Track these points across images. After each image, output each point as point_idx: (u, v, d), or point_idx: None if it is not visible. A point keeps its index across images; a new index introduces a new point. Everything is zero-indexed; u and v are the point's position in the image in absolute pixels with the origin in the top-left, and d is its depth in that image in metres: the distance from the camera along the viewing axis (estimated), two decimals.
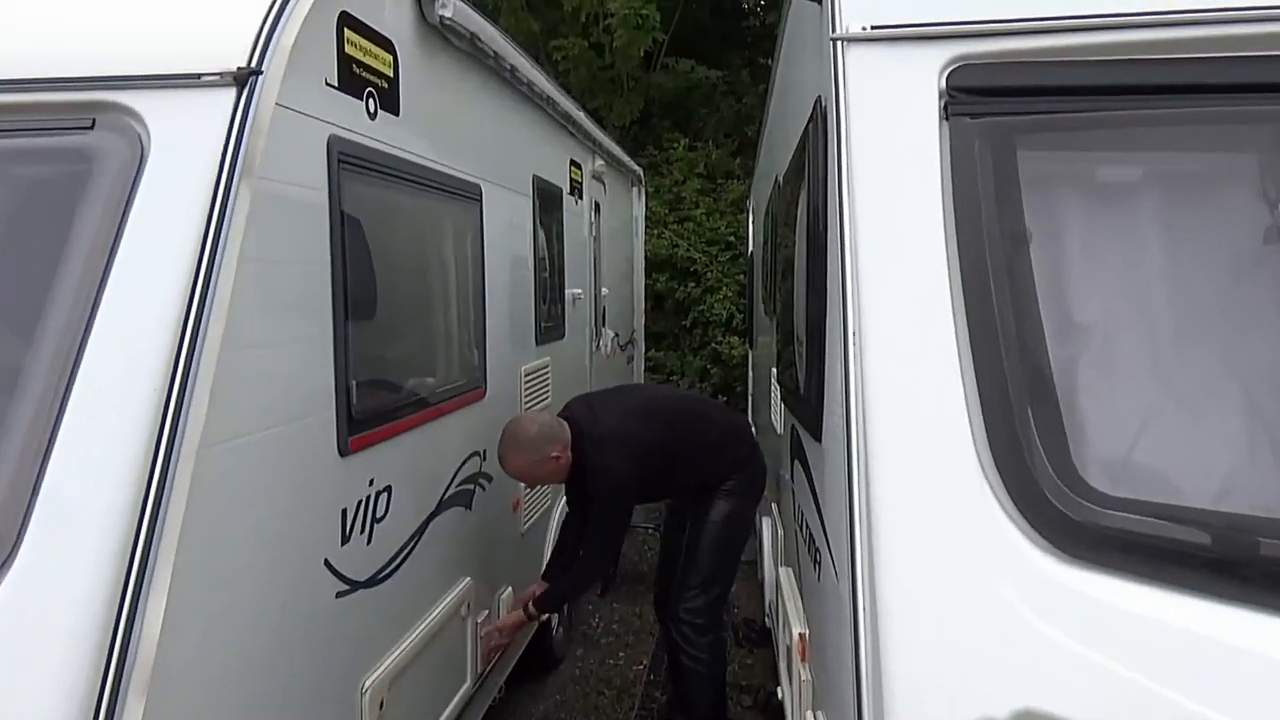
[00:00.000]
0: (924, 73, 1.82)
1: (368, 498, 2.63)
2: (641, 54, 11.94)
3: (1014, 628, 1.45)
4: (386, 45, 2.68)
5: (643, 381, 8.87)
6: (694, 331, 11.65)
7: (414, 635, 2.95)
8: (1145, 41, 1.80)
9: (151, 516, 1.69)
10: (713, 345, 11.33)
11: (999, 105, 1.79)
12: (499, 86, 3.85)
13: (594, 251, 6.18)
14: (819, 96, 2.21)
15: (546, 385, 4.69)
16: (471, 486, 3.56)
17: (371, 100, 2.60)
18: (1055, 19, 1.80)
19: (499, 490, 3.89)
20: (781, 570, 3.58)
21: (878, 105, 1.82)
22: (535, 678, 4.83)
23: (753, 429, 4.96)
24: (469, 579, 3.49)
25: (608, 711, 4.69)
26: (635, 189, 8.31)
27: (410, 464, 2.97)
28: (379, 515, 2.70)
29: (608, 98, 12.27)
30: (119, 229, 1.89)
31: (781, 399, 3.56)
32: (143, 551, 1.67)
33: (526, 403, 4.27)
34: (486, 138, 3.77)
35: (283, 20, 2.11)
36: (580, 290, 5.63)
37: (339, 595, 2.47)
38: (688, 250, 11.57)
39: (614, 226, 7.14)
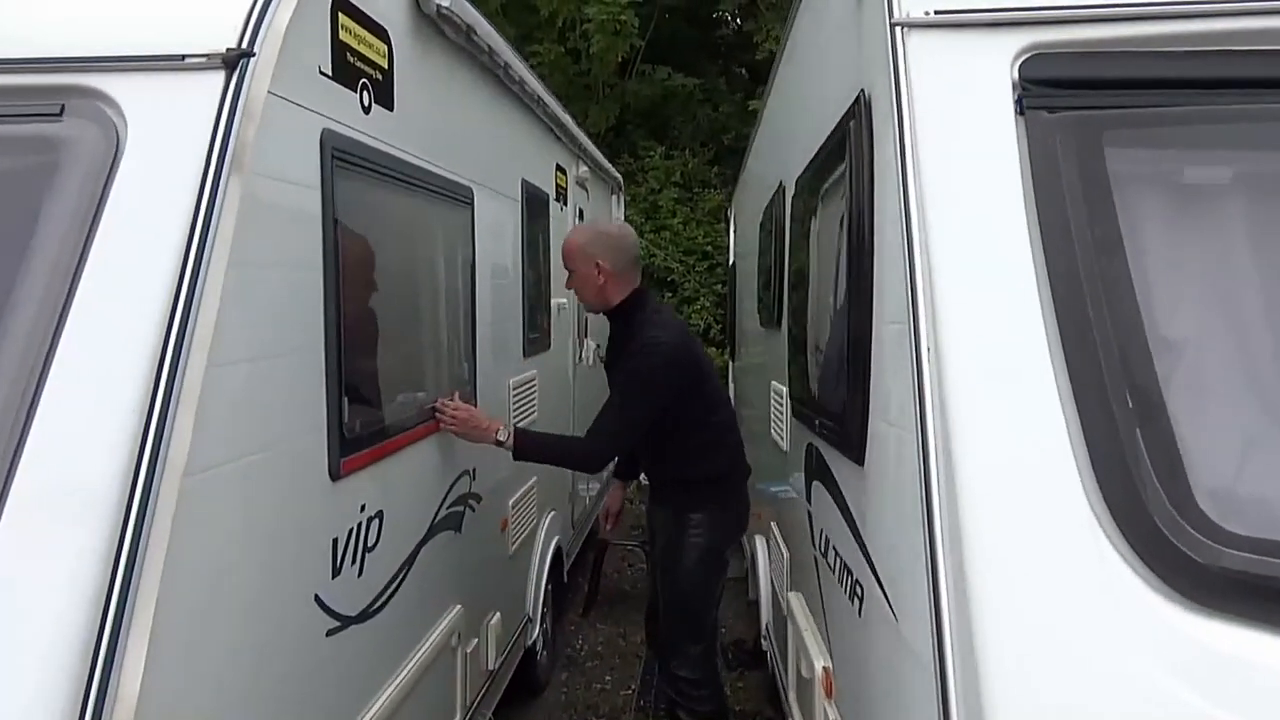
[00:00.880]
0: (994, 63, 1.66)
1: (359, 525, 2.41)
2: (619, 60, 11.80)
3: (1147, 689, 1.26)
4: (381, 34, 2.47)
5: None
6: None
7: (405, 671, 2.72)
8: (1231, 32, 1.65)
9: (129, 558, 1.46)
10: None
11: (1079, 99, 1.63)
12: (490, 86, 3.67)
13: None
14: (861, 90, 2.04)
15: (534, 399, 4.49)
16: (461, 508, 3.35)
17: (365, 93, 2.39)
18: (1139, 5, 1.64)
19: (488, 511, 3.68)
20: (792, 595, 3.39)
21: (943, 98, 1.65)
22: (520, 706, 4.60)
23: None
24: (459, 606, 3.28)
25: None
26: (615, 196, 8.12)
27: (402, 486, 2.75)
28: (370, 544, 2.48)
29: (583, 104, 12.10)
30: (89, 232, 1.66)
31: (794, 413, 3.37)
32: (119, 597, 1.45)
33: (514, 417, 4.06)
34: (478, 139, 3.58)
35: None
36: (564, 300, 5.43)
37: (329, 633, 2.24)
38: (665, 260, 11.40)
39: None
